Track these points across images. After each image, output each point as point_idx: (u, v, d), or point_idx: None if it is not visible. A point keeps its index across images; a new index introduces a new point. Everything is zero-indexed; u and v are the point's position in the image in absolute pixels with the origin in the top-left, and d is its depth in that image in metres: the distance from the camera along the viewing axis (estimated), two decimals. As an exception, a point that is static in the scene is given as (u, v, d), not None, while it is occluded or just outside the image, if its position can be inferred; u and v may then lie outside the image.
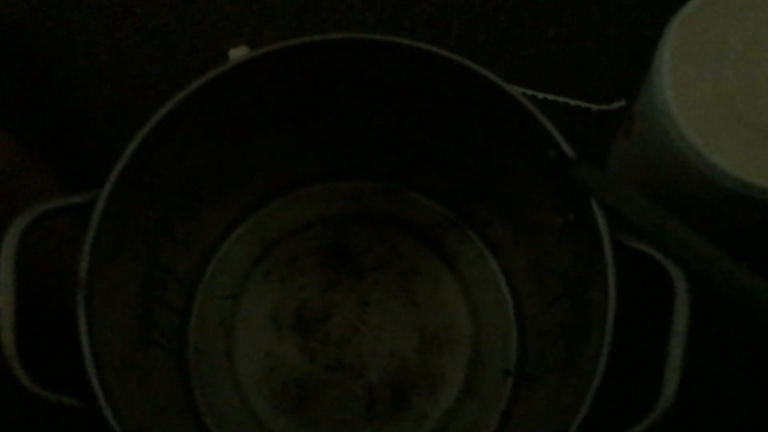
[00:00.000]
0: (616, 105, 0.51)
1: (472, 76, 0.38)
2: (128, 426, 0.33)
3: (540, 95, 0.51)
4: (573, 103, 0.51)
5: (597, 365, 0.32)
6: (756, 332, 0.45)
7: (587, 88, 0.51)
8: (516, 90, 0.37)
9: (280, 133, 0.44)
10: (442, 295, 0.46)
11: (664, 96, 0.35)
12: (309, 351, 0.45)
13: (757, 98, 0.34)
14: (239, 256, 0.47)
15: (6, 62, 0.49)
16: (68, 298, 0.34)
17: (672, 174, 0.36)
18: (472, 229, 0.47)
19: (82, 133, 0.51)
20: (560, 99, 0.51)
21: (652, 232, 0.31)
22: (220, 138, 0.42)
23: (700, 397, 0.45)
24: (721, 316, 0.44)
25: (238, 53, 0.52)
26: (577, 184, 0.34)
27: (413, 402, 0.45)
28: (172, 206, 0.42)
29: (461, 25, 0.54)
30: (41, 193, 0.42)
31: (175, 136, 0.38)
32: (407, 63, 0.39)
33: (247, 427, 0.44)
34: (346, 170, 0.48)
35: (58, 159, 0.46)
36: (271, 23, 0.54)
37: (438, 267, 0.47)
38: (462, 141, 0.43)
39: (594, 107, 0.51)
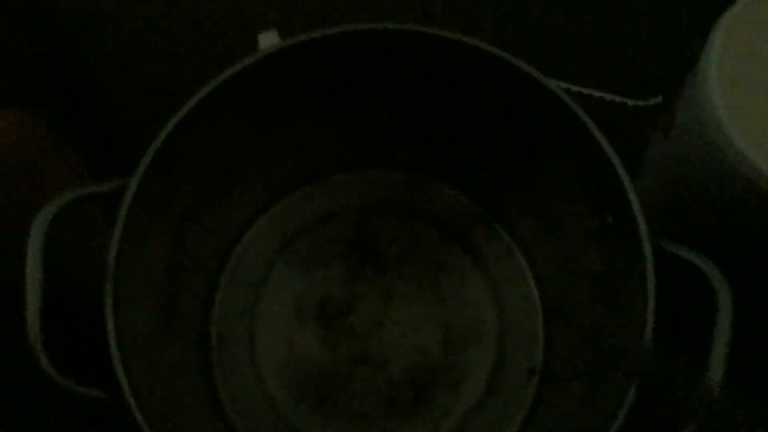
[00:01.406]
0: (653, 101, 0.49)
1: (508, 68, 0.37)
2: (151, 416, 0.33)
3: (575, 88, 0.50)
4: (609, 97, 0.50)
5: (634, 375, 0.31)
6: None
7: (624, 82, 0.50)
8: (553, 83, 0.36)
9: (308, 122, 0.43)
10: (467, 290, 0.46)
11: (711, 97, 0.34)
12: (331, 343, 0.45)
13: (807, 102, 0.33)
14: (263, 245, 0.46)
15: (33, 43, 0.49)
16: (93, 285, 0.34)
17: (713, 176, 0.35)
18: (501, 224, 0.47)
19: (108, 115, 0.51)
20: (596, 93, 0.50)
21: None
22: (248, 126, 0.41)
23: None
24: (760, 326, 0.44)
25: (267, 38, 0.51)
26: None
27: (436, 398, 0.44)
28: (199, 194, 0.41)
29: (494, 16, 0.53)
30: (66, 176, 0.42)
31: (205, 124, 0.37)
32: (440, 54, 0.38)
33: (268, 416, 0.44)
34: (372, 160, 0.47)
35: (84, 141, 0.46)
36: (300, 7, 0.53)
37: (464, 262, 0.46)
38: (494, 134, 0.42)
39: (630, 102, 0.50)
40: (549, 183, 0.42)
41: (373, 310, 0.45)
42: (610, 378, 0.36)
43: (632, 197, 0.34)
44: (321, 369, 0.45)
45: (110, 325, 0.33)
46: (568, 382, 0.41)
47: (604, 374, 0.37)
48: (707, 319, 0.33)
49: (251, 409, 0.44)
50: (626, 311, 0.35)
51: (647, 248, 0.33)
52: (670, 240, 0.34)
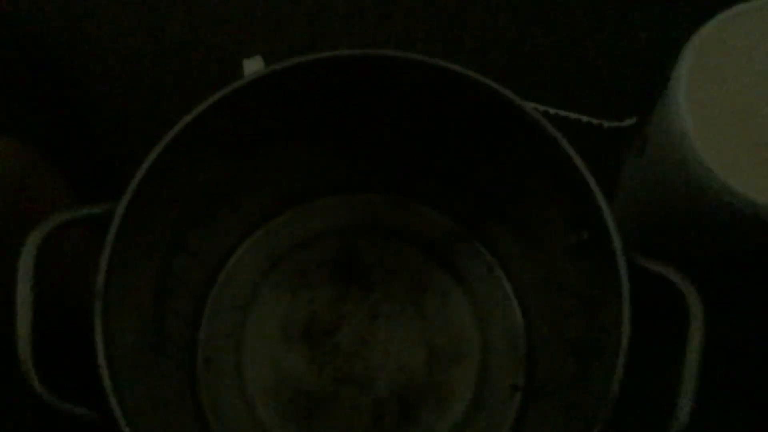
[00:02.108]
0: (628, 122, 0.51)
1: (485, 91, 0.38)
2: (139, 436, 0.34)
3: (552, 111, 0.51)
4: (585, 119, 0.51)
5: (610, 386, 0.32)
6: None
7: (599, 104, 0.51)
8: (530, 106, 0.37)
9: (292, 147, 0.44)
10: (451, 309, 0.46)
11: (680, 116, 0.35)
12: (318, 363, 0.46)
13: (773, 121, 0.34)
14: (250, 267, 0.47)
15: (20, 70, 0.49)
16: (82, 308, 0.35)
17: (685, 194, 0.36)
18: (483, 243, 0.47)
19: (95, 142, 0.51)
20: (572, 115, 0.51)
21: None
22: (235, 150, 0.42)
23: (713, 422, 0.45)
24: (735, 338, 0.45)
25: (252, 64, 0.52)
26: None
27: (421, 416, 0.45)
28: (187, 217, 0.42)
29: (473, 40, 0.54)
30: (54, 202, 0.43)
31: (191, 148, 0.38)
32: (420, 78, 0.39)
33: (255, 437, 0.44)
34: (357, 183, 0.48)
35: (72, 167, 0.46)
36: (284, 34, 0.54)
37: (447, 281, 0.47)
38: (474, 155, 0.43)
39: (606, 124, 0.51)
40: (528, 202, 0.43)
41: (358, 330, 0.46)
42: (591, 390, 0.36)
43: (606, 214, 0.35)
44: (307, 389, 0.45)
45: (99, 345, 0.33)
46: (551, 397, 0.42)
47: (586, 387, 0.38)
48: (682, 332, 0.33)
49: (238, 429, 0.44)
50: (603, 326, 0.36)
51: (621, 263, 0.34)
52: (645, 255, 0.35)
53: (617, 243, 0.34)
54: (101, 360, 0.33)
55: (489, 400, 0.45)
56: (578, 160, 0.36)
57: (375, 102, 0.42)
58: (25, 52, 0.50)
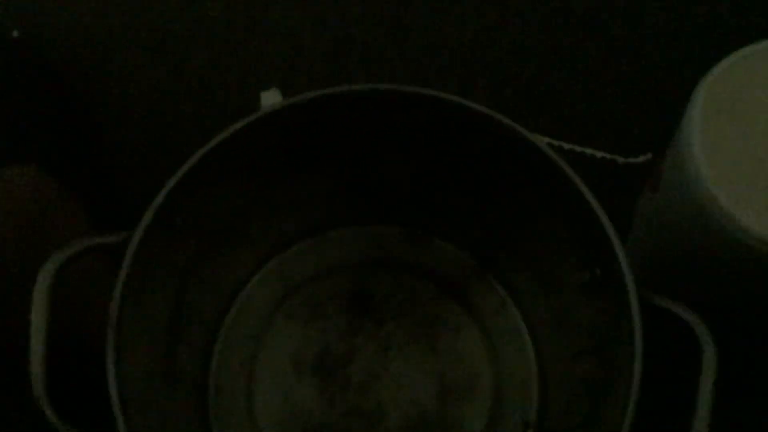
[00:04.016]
0: (642, 158, 0.51)
1: (498, 127, 0.39)
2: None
3: (566, 146, 0.51)
4: (600, 155, 0.51)
5: (622, 426, 0.32)
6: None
7: (614, 140, 0.52)
8: (542, 141, 0.37)
9: (308, 178, 0.45)
10: (463, 343, 0.46)
11: (693, 154, 0.35)
12: (328, 395, 0.45)
13: (786, 161, 0.34)
14: (263, 298, 0.47)
15: (42, 99, 0.50)
16: (96, 336, 0.35)
17: (698, 232, 0.36)
18: (496, 278, 0.47)
19: (114, 171, 0.52)
20: (587, 150, 0.51)
21: None
22: (250, 182, 0.42)
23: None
24: (748, 377, 0.44)
25: (269, 96, 0.53)
26: None
27: (432, 451, 0.44)
28: (201, 247, 0.42)
29: (488, 77, 0.54)
30: (71, 231, 0.43)
31: (207, 179, 0.39)
32: (435, 114, 0.40)
33: (265, 470, 0.44)
34: (371, 216, 0.48)
35: (89, 196, 0.47)
36: (301, 67, 0.55)
37: (460, 315, 0.47)
38: (487, 191, 0.44)
39: (621, 160, 0.51)
40: (542, 238, 0.43)
41: (370, 363, 0.46)
42: (604, 430, 0.36)
43: (619, 252, 0.35)
44: (318, 421, 0.45)
45: (111, 374, 0.34)
46: (562, 436, 0.41)
47: (598, 426, 0.37)
48: (696, 370, 0.33)
49: (248, 461, 0.44)
50: (616, 364, 0.36)
51: (634, 301, 0.34)
52: (659, 293, 0.35)
53: (630, 281, 0.34)
54: (113, 389, 0.33)
55: (500, 437, 0.45)
56: (591, 197, 0.36)
57: (390, 136, 0.42)
58: (46, 81, 0.51)
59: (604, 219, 0.35)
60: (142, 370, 0.38)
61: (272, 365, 0.46)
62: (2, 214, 0.42)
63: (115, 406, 0.33)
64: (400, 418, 0.45)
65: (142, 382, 0.38)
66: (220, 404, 0.45)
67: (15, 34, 0.53)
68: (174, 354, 0.42)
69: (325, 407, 0.45)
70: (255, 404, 0.45)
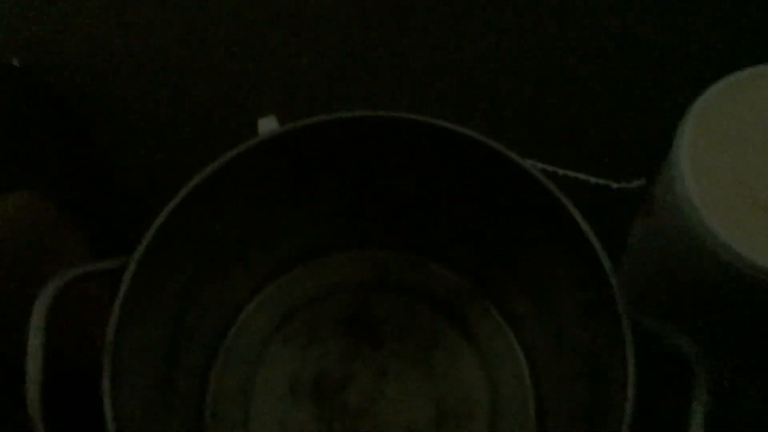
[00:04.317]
0: (636, 183, 0.51)
1: (493, 154, 0.39)
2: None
3: (561, 171, 0.52)
4: (593, 180, 0.51)
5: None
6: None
7: (608, 166, 0.52)
8: (535, 168, 0.38)
9: (306, 203, 0.45)
10: (460, 367, 0.46)
11: (684, 180, 0.35)
12: (326, 420, 0.45)
13: (776, 185, 0.35)
14: (260, 322, 0.47)
15: (42, 125, 0.51)
16: (93, 361, 0.35)
17: (690, 256, 0.36)
18: (493, 302, 0.48)
19: (114, 196, 0.52)
20: (580, 176, 0.52)
21: None
22: (247, 207, 0.43)
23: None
24: (740, 399, 0.44)
25: (266, 122, 0.54)
26: None
27: (429, 476, 0.44)
28: (199, 272, 0.42)
29: (486, 101, 0.55)
30: (70, 255, 0.43)
31: (204, 205, 0.39)
32: (431, 140, 0.40)
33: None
34: (369, 240, 0.48)
35: (89, 221, 0.47)
36: (299, 94, 0.56)
37: (457, 339, 0.47)
38: (484, 216, 0.44)
39: (614, 185, 0.51)
40: (538, 263, 0.43)
41: (367, 387, 0.46)
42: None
43: (611, 277, 0.35)
44: (315, 446, 0.45)
45: (107, 400, 0.34)
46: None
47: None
48: (689, 391, 0.33)
49: (244, 487, 0.44)
50: (611, 387, 0.36)
51: (626, 325, 0.34)
52: (653, 316, 0.35)
53: (621, 304, 0.34)
54: (108, 415, 0.33)
55: (498, 461, 0.45)
56: (583, 223, 0.36)
57: (387, 161, 0.43)
58: (46, 109, 0.52)
59: (596, 244, 0.36)
60: (138, 395, 0.38)
61: (269, 389, 0.46)
62: (2, 239, 0.42)
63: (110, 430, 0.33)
64: (397, 442, 0.45)
65: (138, 407, 0.38)
66: (216, 429, 0.45)
67: (15, 62, 0.53)
68: (171, 378, 0.42)
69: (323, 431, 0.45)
70: (251, 429, 0.45)
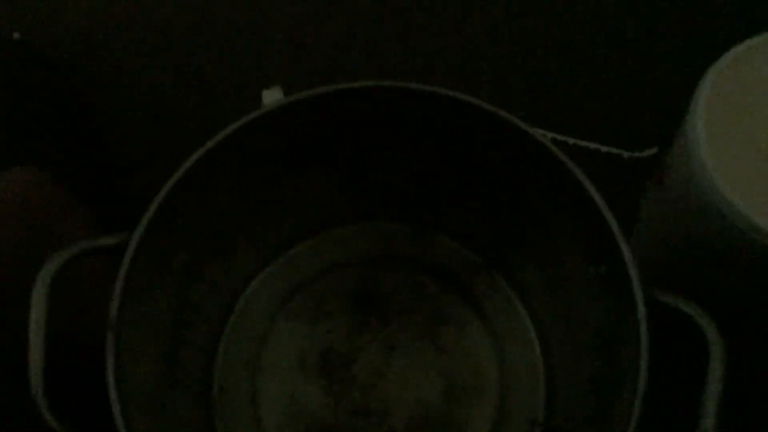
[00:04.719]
0: (648, 152, 0.50)
1: (502, 123, 0.38)
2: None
3: (571, 141, 0.51)
4: (605, 149, 0.51)
5: (629, 424, 0.31)
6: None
7: (620, 134, 0.51)
8: (545, 137, 0.37)
9: (311, 176, 0.44)
10: (469, 341, 0.46)
11: (698, 147, 0.35)
12: (333, 394, 0.45)
13: (793, 153, 0.34)
14: (267, 297, 0.47)
15: (43, 100, 0.50)
16: (97, 338, 0.35)
17: (704, 225, 0.36)
18: (502, 275, 0.47)
19: (119, 171, 0.52)
20: (591, 145, 0.51)
21: None
22: (252, 180, 0.42)
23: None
24: (756, 372, 0.44)
25: (271, 94, 0.53)
26: None
27: (438, 451, 0.44)
28: (203, 247, 0.42)
29: (494, 72, 0.54)
30: (75, 232, 0.43)
31: (208, 179, 0.38)
32: (439, 110, 0.39)
33: (270, 470, 0.44)
34: (375, 213, 0.48)
35: (94, 197, 0.47)
36: (304, 65, 0.55)
37: (465, 313, 0.47)
38: (492, 187, 0.43)
39: (626, 154, 0.51)
40: (547, 235, 0.42)
41: (375, 362, 0.46)
42: (610, 429, 0.36)
43: (624, 248, 0.34)
44: (323, 421, 0.45)
45: (111, 377, 0.33)
46: (570, 433, 0.41)
47: (606, 425, 0.37)
48: (703, 368, 0.33)
49: (253, 462, 0.44)
50: (623, 362, 0.35)
51: (640, 298, 0.33)
52: (665, 290, 0.34)
53: (635, 278, 0.34)
54: (112, 391, 0.33)
55: (507, 435, 0.44)
56: (595, 193, 0.35)
57: (394, 132, 0.42)
58: (47, 83, 0.51)
59: (608, 214, 0.35)
60: (143, 371, 0.37)
61: (277, 365, 0.46)
62: (4, 215, 0.42)
63: (115, 409, 0.33)
64: (405, 417, 0.44)
65: (144, 383, 0.37)
66: (224, 405, 0.45)
67: (16, 36, 0.53)
68: (177, 355, 0.42)
69: (330, 407, 0.45)
70: (260, 404, 0.45)
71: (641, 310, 0.33)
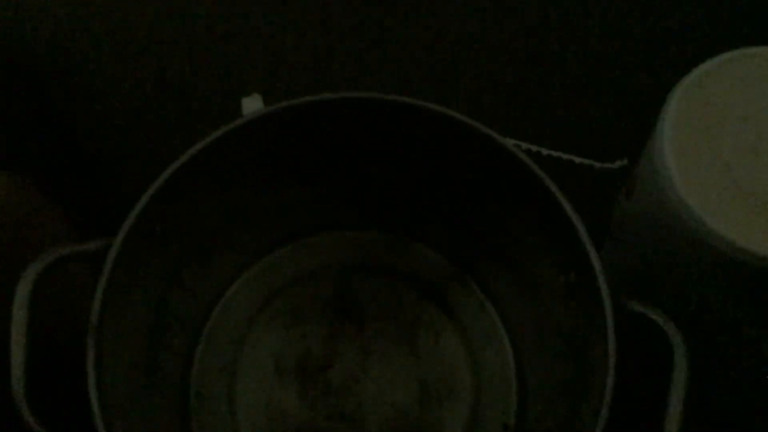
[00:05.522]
0: (619, 164, 0.51)
1: (474, 133, 0.39)
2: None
3: (544, 151, 0.52)
4: (577, 160, 0.52)
5: (596, 427, 0.32)
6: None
7: (591, 146, 0.52)
8: (512, 145, 0.38)
9: (290, 185, 0.45)
10: (443, 347, 0.47)
11: (665, 161, 0.35)
12: (310, 399, 0.46)
13: (756, 167, 0.35)
14: (244, 303, 0.47)
15: (23, 106, 0.50)
16: (77, 342, 0.35)
17: (671, 237, 0.37)
18: (475, 282, 0.48)
19: (96, 178, 0.52)
20: (564, 156, 0.52)
21: None
22: (231, 188, 0.43)
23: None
24: (718, 381, 0.45)
25: (250, 102, 0.53)
26: None
27: (412, 454, 0.45)
28: (183, 253, 0.42)
29: (469, 83, 0.55)
30: (54, 238, 0.43)
31: (187, 187, 0.39)
32: (413, 120, 0.40)
33: (246, 475, 0.45)
34: (353, 221, 0.48)
35: (72, 203, 0.47)
36: (283, 73, 0.55)
37: (440, 319, 0.47)
38: (466, 196, 0.44)
39: (597, 165, 0.52)
40: (519, 243, 0.43)
41: (351, 367, 0.46)
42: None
43: (593, 257, 0.35)
44: (299, 425, 0.45)
45: (91, 381, 0.34)
46: (540, 437, 0.42)
47: (575, 429, 0.38)
48: (669, 372, 0.34)
49: (230, 466, 0.44)
50: (592, 367, 0.36)
51: (608, 306, 0.34)
52: (633, 298, 0.35)
53: (603, 285, 0.34)
54: (93, 395, 0.33)
55: (480, 439, 0.45)
56: (565, 202, 0.36)
57: (371, 142, 0.43)
58: (25, 86, 0.51)
59: (578, 223, 0.36)
60: (123, 376, 0.38)
61: (254, 369, 0.46)
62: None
63: (95, 413, 0.33)
64: (380, 421, 0.45)
65: (123, 388, 0.38)
66: (201, 409, 0.45)
67: (-5, 40, 0.53)
68: (155, 360, 0.42)
69: (307, 411, 0.45)
70: (236, 409, 0.45)
71: (609, 317, 0.34)
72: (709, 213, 0.34)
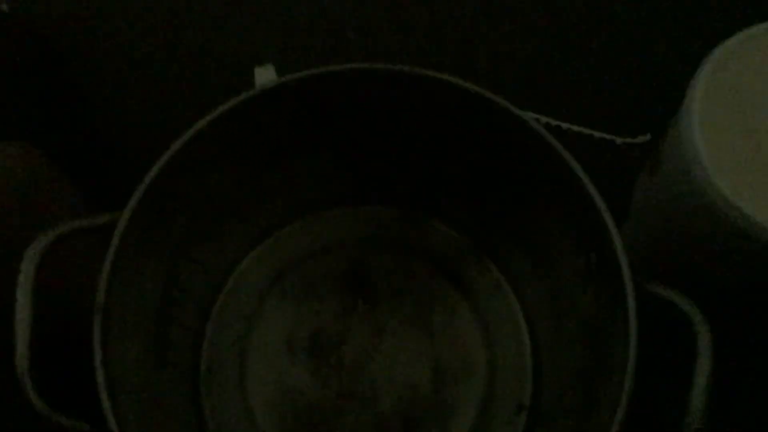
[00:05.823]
0: (641, 139, 0.50)
1: (492, 107, 0.38)
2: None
3: (564, 126, 0.51)
4: (597, 135, 0.50)
5: (615, 414, 0.31)
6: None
7: (613, 120, 0.51)
8: (533, 119, 0.37)
9: (303, 158, 0.44)
10: (458, 325, 0.46)
11: (693, 137, 0.34)
12: (321, 376, 0.45)
13: (786, 145, 0.34)
14: (256, 277, 0.47)
15: (32, 74, 0.49)
16: (84, 318, 0.34)
17: (696, 215, 0.36)
18: (492, 259, 0.47)
19: (108, 149, 0.51)
20: (585, 130, 0.51)
21: None
22: (243, 161, 0.42)
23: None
24: (743, 366, 0.44)
25: (263, 72, 0.52)
26: None
27: (425, 433, 0.44)
28: (193, 227, 0.42)
29: (487, 56, 0.54)
30: (63, 208, 0.43)
31: (198, 160, 0.38)
32: (430, 93, 0.39)
33: (256, 451, 0.44)
34: (367, 195, 0.48)
35: (83, 175, 0.46)
36: (296, 43, 0.54)
37: (455, 297, 0.47)
38: (483, 171, 0.43)
39: (619, 140, 0.50)
40: (538, 221, 0.42)
41: (363, 344, 0.46)
42: (598, 419, 0.36)
43: (615, 237, 0.34)
44: (310, 403, 0.45)
45: (98, 358, 0.33)
46: (556, 420, 0.41)
47: (593, 415, 0.37)
48: (691, 359, 0.33)
49: (239, 442, 0.44)
50: (611, 352, 0.35)
51: (629, 288, 0.33)
52: (655, 280, 0.34)
53: (625, 267, 0.33)
54: (99, 372, 0.33)
55: (494, 418, 0.44)
56: (585, 178, 0.35)
57: (385, 115, 0.41)
58: (36, 57, 0.50)
59: (599, 201, 0.35)
60: (131, 352, 0.37)
61: (265, 345, 0.46)
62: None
63: (101, 389, 0.33)
64: (392, 400, 0.44)
65: (131, 364, 0.37)
66: (211, 385, 0.45)
67: (4, 8, 0.52)
68: (165, 335, 0.42)
69: (318, 388, 0.45)
70: (247, 385, 0.45)
71: (631, 300, 0.33)
72: (736, 190, 0.33)
